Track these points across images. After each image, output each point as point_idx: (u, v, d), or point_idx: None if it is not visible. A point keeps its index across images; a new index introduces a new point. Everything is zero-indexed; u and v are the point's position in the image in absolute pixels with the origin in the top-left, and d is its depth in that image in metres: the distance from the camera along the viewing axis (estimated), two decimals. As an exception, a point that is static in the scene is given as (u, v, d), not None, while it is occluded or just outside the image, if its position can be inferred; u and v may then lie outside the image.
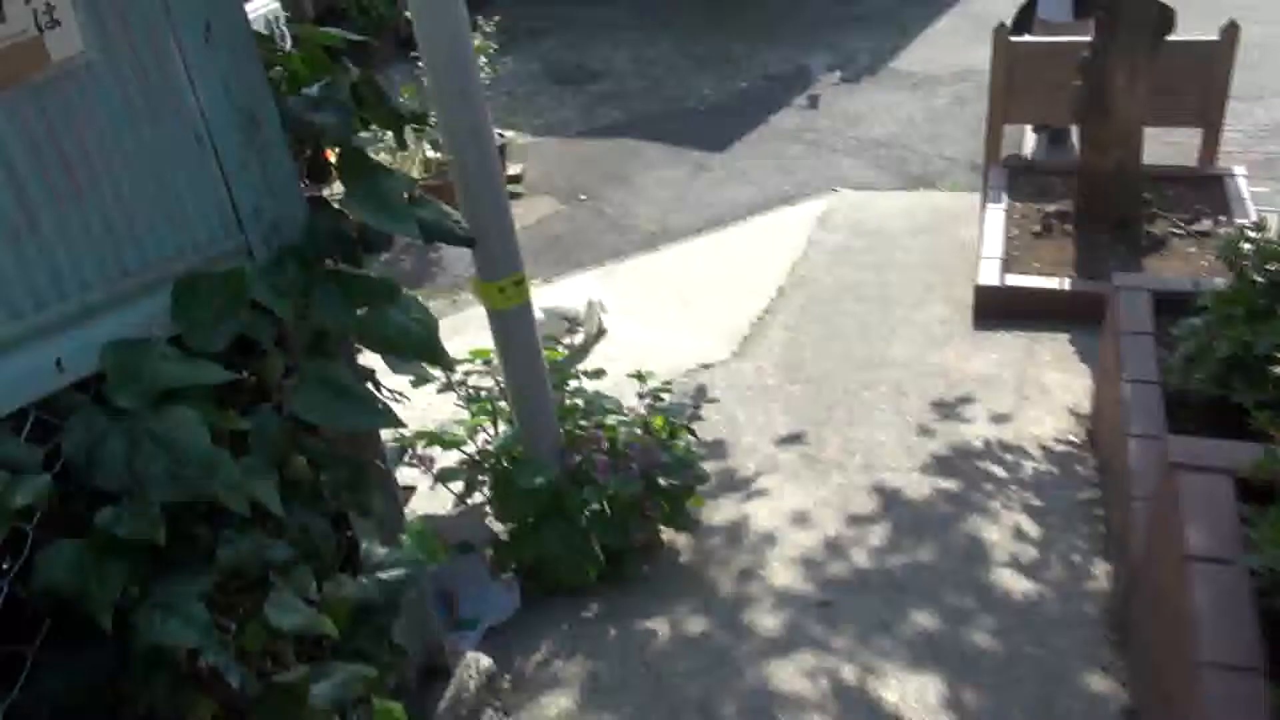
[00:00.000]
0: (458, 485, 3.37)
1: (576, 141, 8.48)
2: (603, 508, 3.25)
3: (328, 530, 2.00)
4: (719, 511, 3.79)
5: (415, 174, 7.50)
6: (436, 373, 3.52)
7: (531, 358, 3.16)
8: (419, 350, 2.07)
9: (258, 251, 1.95)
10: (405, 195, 2.11)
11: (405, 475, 3.35)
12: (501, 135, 8.16)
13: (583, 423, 3.29)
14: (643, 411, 3.53)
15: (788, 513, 3.74)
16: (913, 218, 6.38)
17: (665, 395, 3.63)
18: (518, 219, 7.48)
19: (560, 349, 3.75)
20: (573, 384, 3.60)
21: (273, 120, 1.90)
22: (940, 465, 3.95)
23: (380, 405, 2.02)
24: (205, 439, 1.62)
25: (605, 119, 8.84)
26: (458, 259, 6.89)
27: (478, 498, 3.44)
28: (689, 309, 5.66)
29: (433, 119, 2.94)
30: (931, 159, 7.45)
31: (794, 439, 4.24)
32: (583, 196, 7.52)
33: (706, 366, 4.94)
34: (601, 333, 5.46)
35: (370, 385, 2.15)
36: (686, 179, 7.61)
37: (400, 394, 2.20)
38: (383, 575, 1.95)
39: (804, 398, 4.56)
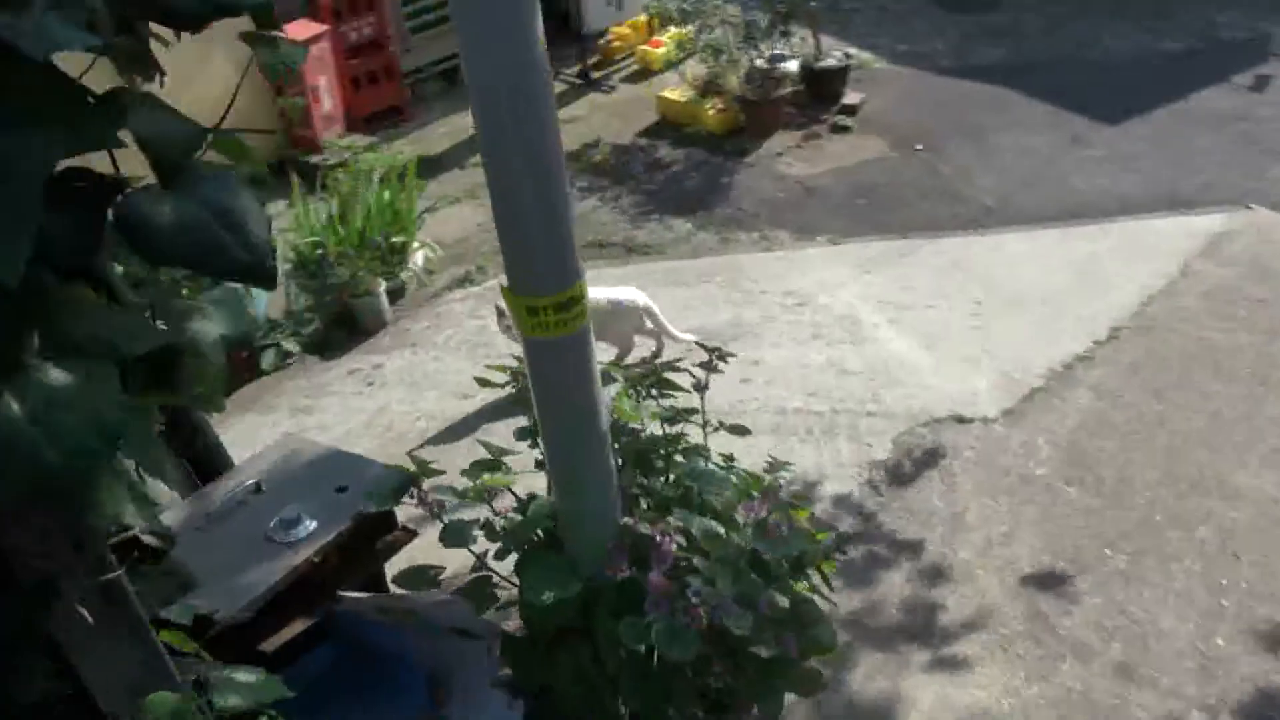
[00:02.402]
0: (481, 543, 2.25)
1: (938, 79, 6.78)
2: (648, 655, 2.03)
3: None
4: (856, 676, 2.42)
5: (734, 84, 6.23)
6: (500, 377, 2.41)
7: (582, 415, 1.93)
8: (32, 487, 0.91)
9: None
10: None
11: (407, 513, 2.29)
12: (849, 55, 6.68)
13: (644, 526, 2.03)
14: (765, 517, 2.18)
15: (963, 716, 2.32)
16: (1348, 270, 4.33)
17: (806, 507, 2.25)
18: (837, 156, 6.04)
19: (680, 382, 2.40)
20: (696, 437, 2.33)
21: None
22: (1246, 715, 2.33)
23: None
24: None
25: (982, 57, 7.03)
26: (748, 189, 5.64)
27: (511, 559, 2.30)
28: (978, 326, 4.08)
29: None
30: (1407, 190, 5.13)
31: (1032, 581, 2.74)
32: (919, 146, 5.93)
33: (961, 421, 3.44)
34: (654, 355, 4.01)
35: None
36: (1054, 151, 5.78)
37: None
38: None
39: (1078, 514, 2.99)
